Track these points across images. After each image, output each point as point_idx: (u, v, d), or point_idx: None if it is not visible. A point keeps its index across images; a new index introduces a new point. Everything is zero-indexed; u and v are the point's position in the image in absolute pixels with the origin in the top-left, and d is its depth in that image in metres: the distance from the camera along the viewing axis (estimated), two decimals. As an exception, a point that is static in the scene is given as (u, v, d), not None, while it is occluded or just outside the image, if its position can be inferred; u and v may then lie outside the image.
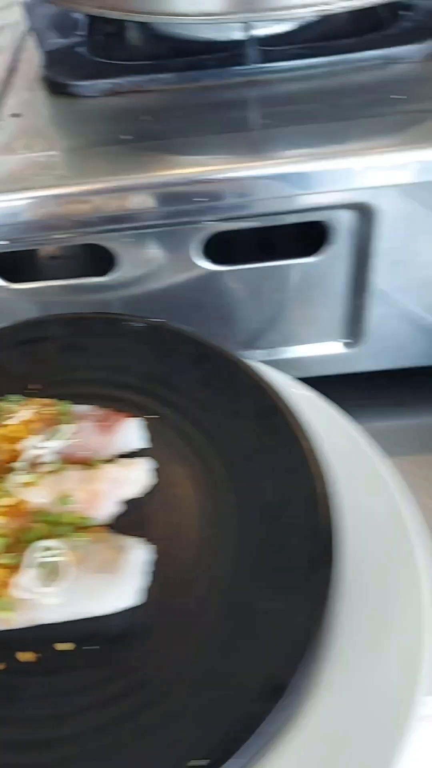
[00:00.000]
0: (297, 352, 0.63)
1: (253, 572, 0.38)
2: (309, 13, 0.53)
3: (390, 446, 0.63)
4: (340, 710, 0.34)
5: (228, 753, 0.33)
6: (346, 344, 0.62)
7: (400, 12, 0.65)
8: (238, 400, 0.46)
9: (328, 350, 0.62)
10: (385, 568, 0.38)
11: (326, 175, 0.51)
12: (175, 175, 0.51)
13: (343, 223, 0.54)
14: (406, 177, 0.51)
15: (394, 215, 0.53)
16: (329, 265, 0.56)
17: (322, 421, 0.46)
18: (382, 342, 0.62)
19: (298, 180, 0.51)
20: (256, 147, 0.52)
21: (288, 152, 0.51)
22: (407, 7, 0.65)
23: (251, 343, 0.61)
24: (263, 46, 0.61)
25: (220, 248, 0.57)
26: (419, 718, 0.35)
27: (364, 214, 0.53)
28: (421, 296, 0.58)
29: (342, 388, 0.68)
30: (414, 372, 0.65)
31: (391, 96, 0.55)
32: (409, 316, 0.60)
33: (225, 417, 0.46)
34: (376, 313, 0.59)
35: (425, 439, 0.65)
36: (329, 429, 0.45)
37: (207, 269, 0.56)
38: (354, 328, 0.61)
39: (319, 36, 0.63)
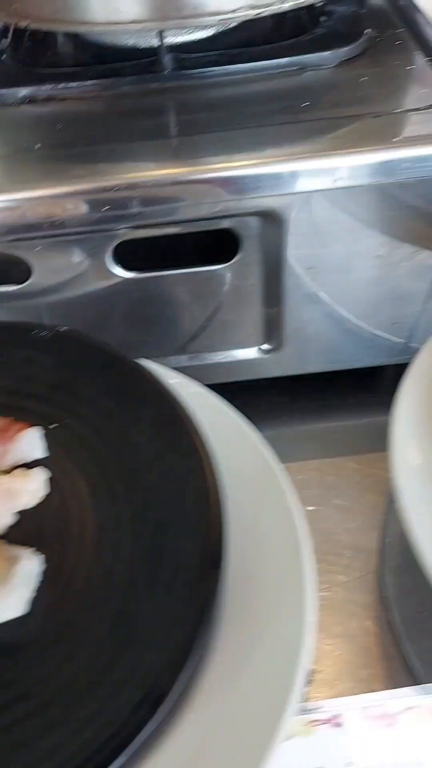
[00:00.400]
0: (218, 357, 0.63)
1: (142, 583, 0.39)
2: (215, 22, 0.54)
3: (312, 449, 0.64)
4: (217, 715, 0.34)
5: (104, 762, 0.33)
6: (267, 350, 0.62)
7: (321, 18, 0.65)
8: (139, 409, 0.46)
9: (249, 356, 0.63)
10: (271, 577, 0.39)
11: (233, 183, 0.51)
12: (82, 184, 0.51)
13: (253, 230, 0.54)
14: (313, 185, 0.51)
15: (302, 222, 0.53)
16: (241, 272, 0.56)
17: (224, 429, 0.46)
18: (303, 347, 0.62)
19: (205, 188, 0.51)
20: (163, 155, 0.53)
21: (195, 160, 0.52)
22: (328, 14, 0.66)
23: (171, 350, 0.62)
24: (181, 53, 0.62)
25: (153, 253, 0.57)
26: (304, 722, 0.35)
27: (273, 221, 0.53)
28: (338, 301, 0.59)
29: (266, 392, 0.70)
30: (340, 374, 0.66)
31: (302, 104, 0.56)
32: (328, 321, 0.60)
33: (126, 425, 0.46)
34: (294, 319, 0.60)
35: (350, 442, 0.66)
36: (229, 436, 0.46)
37: (121, 276, 0.56)
38: (273, 333, 0.61)
39: (237, 43, 0.63)
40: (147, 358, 0.61)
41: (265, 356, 0.63)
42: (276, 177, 0.51)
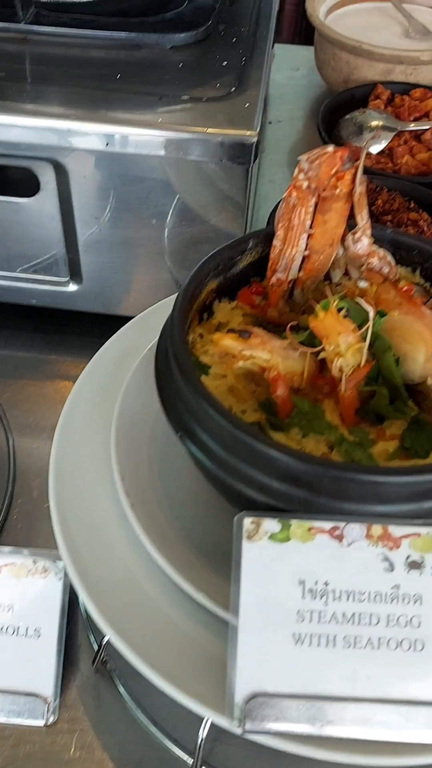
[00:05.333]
0: (29, 283, 0.72)
1: None
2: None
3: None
4: None
5: None
6: (68, 283, 0.72)
7: (184, 3, 0.73)
8: None
9: (52, 286, 0.72)
10: None
11: (24, 129, 0.60)
12: None
13: (47, 175, 0.63)
14: (87, 145, 0.60)
15: (85, 176, 0.62)
16: (41, 209, 0.65)
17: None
18: (97, 288, 0.71)
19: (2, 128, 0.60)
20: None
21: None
22: (191, 1, 0.73)
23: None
24: (47, 9, 0.70)
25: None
26: None
27: (61, 170, 0.62)
28: (123, 253, 0.68)
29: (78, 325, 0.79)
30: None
31: (117, 75, 0.64)
32: (118, 269, 0.70)
33: None
34: (89, 261, 0.69)
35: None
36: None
37: None
38: (73, 270, 0.70)
39: (111, 10, 0.71)
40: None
41: (68, 290, 0.72)
42: (60, 132, 0.59)
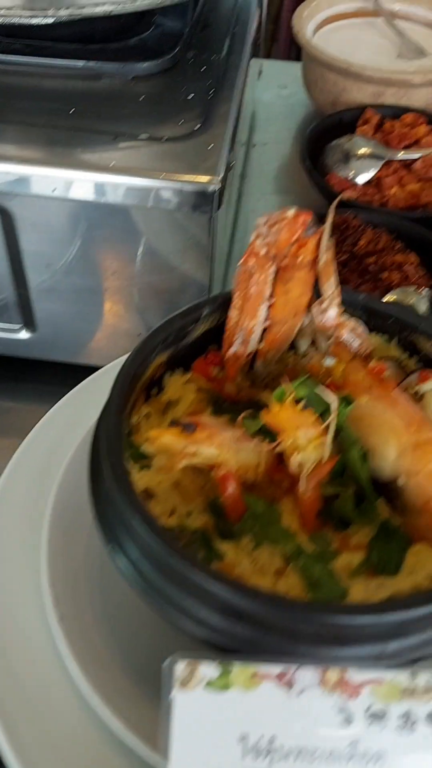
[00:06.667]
0: (-21, 328, 0.67)
1: None
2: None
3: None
4: None
5: None
6: (22, 330, 0.66)
7: (150, 28, 0.67)
8: None
9: (4, 333, 0.66)
10: None
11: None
12: None
13: (-8, 219, 0.57)
14: (38, 189, 0.54)
15: (33, 223, 0.56)
16: (-12, 254, 0.60)
17: None
18: (54, 336, 0.66)
19: None
20: None
21: None
22: (157, 26, 0.67)
23: None
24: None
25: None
26: None
27: (5, 215, 0.56)
28: (81, 302, 0.62)
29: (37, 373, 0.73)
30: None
31: (71, 110, 0.58)
32: (76, 318, 0.64)
33: None
34: (43, 308, 0.63)
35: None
36: None
37: None
38: (26, 317, 0.65)
39: (59, 36, 0.65)
40: None
41: (21, 338, 0.66)
42: (5, 175, 0.54)
